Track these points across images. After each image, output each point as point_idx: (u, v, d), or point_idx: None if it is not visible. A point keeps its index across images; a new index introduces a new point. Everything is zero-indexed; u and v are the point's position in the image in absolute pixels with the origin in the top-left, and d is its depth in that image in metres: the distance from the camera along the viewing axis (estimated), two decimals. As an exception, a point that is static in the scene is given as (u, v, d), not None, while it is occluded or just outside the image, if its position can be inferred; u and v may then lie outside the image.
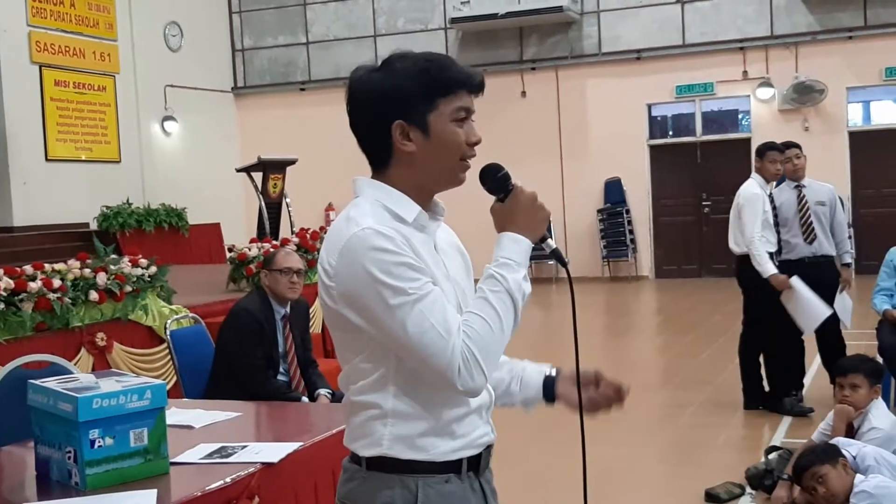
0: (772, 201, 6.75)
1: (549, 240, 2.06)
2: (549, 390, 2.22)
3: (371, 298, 1.88)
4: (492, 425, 2.10)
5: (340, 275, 1.91)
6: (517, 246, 1.97)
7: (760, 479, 5.09)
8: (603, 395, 2.19)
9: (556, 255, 2.07)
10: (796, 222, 6.84)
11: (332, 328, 2.01)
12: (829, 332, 6.85)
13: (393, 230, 1.90)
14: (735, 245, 6.78)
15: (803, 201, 6.87)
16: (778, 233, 6.76)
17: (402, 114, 1.96)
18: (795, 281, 6.50)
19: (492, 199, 2.05)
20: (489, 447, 2.08)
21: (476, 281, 2.13)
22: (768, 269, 6.54)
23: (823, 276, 6.78)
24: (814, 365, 7.63)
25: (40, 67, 14.64)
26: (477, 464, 2.04)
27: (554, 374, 2.24)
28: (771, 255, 6.62)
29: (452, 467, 1.99)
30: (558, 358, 2.11)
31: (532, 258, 2.06)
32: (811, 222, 6.82)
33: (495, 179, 2.02)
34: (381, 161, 2.02)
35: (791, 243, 6.83)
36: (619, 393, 2.19)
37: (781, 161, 6.77)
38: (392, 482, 1.96)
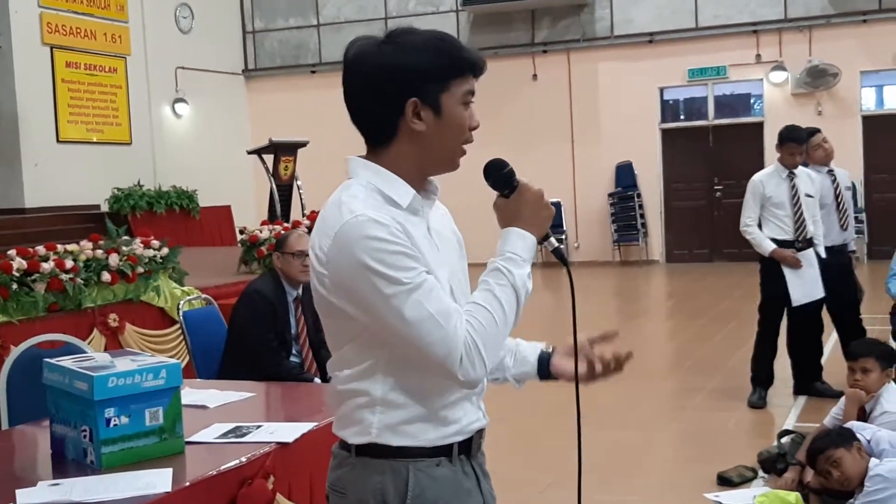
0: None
1: (552, 238, 2.04)
2: (544, 367, 2.20)
3: (366, 288, 1.84)
4: (483, 410, 2.07)
5: (333, 263, 1.87)
6: (523, 242, 1.95)
7: (773, 463, 5.08)
8: (602, 362, 2.17)
9: (558, 253, 2.04)
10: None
11: (324, 315, 1.97)
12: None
13: (388, 217, 1.85)
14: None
15: None
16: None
17: (417, 91, 1.90)
18: (810, 254, 6.44)
19: (485, 189, 2.02)
20: (480, 431, 2.06)
21: (469, 265, 2.10)
22: (767, 246, 6.48)
23: None
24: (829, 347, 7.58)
25: (51, 49, 14.63)
26: (468, 448, 2.02)
27: (550, 350, 2.22)
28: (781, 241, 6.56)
29: (443, 451, 1.97)
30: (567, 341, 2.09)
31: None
32: None
33: (500, 175, 1.99)
34: (382, 138, 1.96)
35: None
36: (618, 361, 2.17)
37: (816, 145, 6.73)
38: (383, 468, 1.94)
